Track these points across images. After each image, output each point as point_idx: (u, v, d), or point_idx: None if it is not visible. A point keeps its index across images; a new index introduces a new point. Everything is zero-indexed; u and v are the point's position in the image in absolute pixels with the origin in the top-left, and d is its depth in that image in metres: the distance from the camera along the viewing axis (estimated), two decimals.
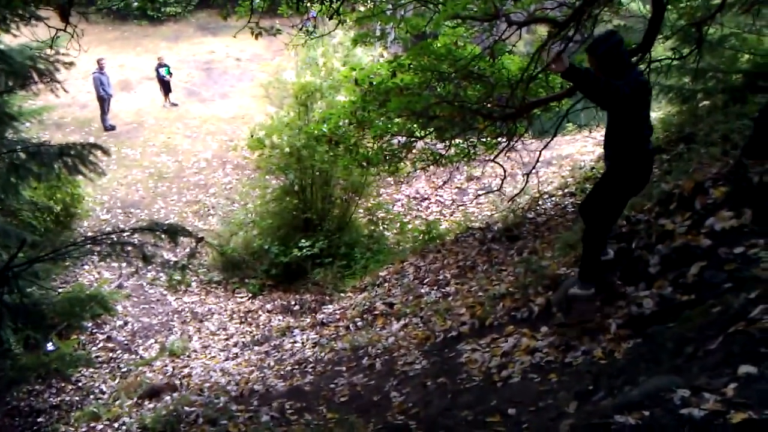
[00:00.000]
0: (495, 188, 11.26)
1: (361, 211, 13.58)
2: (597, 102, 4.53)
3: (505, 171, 9.96)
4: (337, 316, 8.88)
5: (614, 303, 4.81)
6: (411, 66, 8.07)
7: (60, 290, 10.41)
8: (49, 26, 5.42)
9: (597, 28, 7.24)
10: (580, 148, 13.68)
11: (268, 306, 10.96)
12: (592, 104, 8.02)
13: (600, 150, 12.59)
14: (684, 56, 7.50)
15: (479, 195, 13.58)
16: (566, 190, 10.20)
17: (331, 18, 7.13)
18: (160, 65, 19.67)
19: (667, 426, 2.56)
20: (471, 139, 9.42)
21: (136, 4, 11.66)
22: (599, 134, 14.11)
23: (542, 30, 8.95)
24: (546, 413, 3.68)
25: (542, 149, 9.44)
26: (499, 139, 9.34)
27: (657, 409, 2.73)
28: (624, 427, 2.65)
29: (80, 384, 9.20)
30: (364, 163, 9.57)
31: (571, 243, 6.43)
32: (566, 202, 9.49)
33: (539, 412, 3.79)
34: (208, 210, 15.10)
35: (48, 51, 6.71)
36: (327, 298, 10.44)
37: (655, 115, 11.11)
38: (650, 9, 6.81)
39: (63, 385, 9.18)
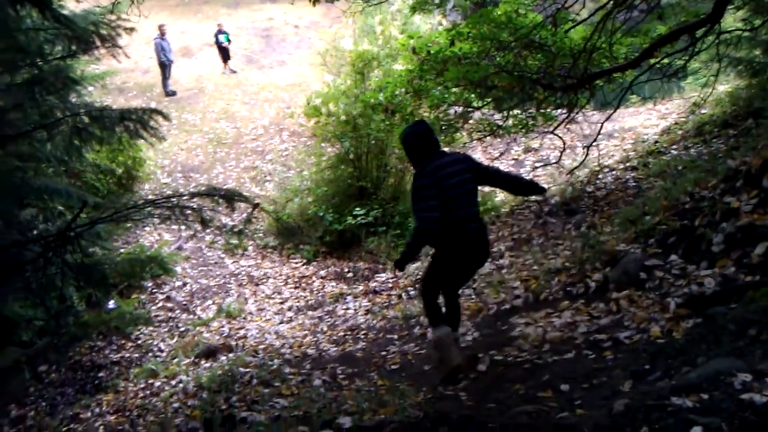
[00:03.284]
0: (553, 161, 11.04)
1: None
2: None
3: (564, 143, 9.75)
4: (390, 285, 8.93)
5: (674, 282, 4.70)
6: (470, 34, 7.92)
7: (121, 251, 10.74)
8: None
9: None
10: (644, 121, 13.24)
11: (322, 272, 11.06)
12: (656, 76, 7.81)
13: (664, 123, 12.22)
14: (755, 27, 7.18)
15: (537, 167, 13.33)
16: (628, 164, 9.91)
17: None
18: (220, 32, 19.86)
19: (727, 410, 2.50)
20: (530, 110, 9.24)
21: None
22: (664, 107, 13.69)
23: None
24: (600, 391, 3.62)
25: (604, 121, 9.20)
26: (559, 110, 9.13)
27: (716, 392, 2.66)
28: (681, 409, 2.59)
29: (139, 342, 9.50)
30: None
31: (632, 218, 6.27)
32: (627, 176, 9.23)
33: (593, 389, 3.73)
34: (265, 176, 15.27)
35: (110, 17, 6.82)
36: (380, 266, 10.47)
37: (723, 88, 10.69)
38: None
39: (123, 342, 9.49)
